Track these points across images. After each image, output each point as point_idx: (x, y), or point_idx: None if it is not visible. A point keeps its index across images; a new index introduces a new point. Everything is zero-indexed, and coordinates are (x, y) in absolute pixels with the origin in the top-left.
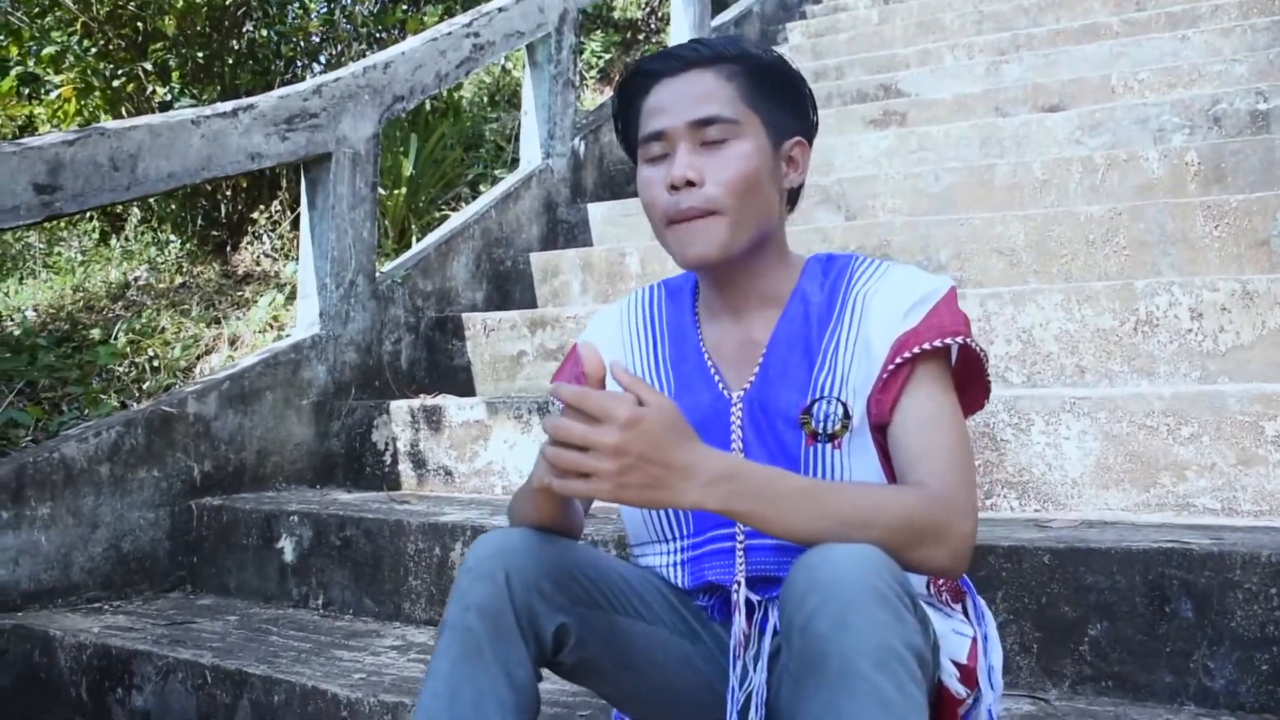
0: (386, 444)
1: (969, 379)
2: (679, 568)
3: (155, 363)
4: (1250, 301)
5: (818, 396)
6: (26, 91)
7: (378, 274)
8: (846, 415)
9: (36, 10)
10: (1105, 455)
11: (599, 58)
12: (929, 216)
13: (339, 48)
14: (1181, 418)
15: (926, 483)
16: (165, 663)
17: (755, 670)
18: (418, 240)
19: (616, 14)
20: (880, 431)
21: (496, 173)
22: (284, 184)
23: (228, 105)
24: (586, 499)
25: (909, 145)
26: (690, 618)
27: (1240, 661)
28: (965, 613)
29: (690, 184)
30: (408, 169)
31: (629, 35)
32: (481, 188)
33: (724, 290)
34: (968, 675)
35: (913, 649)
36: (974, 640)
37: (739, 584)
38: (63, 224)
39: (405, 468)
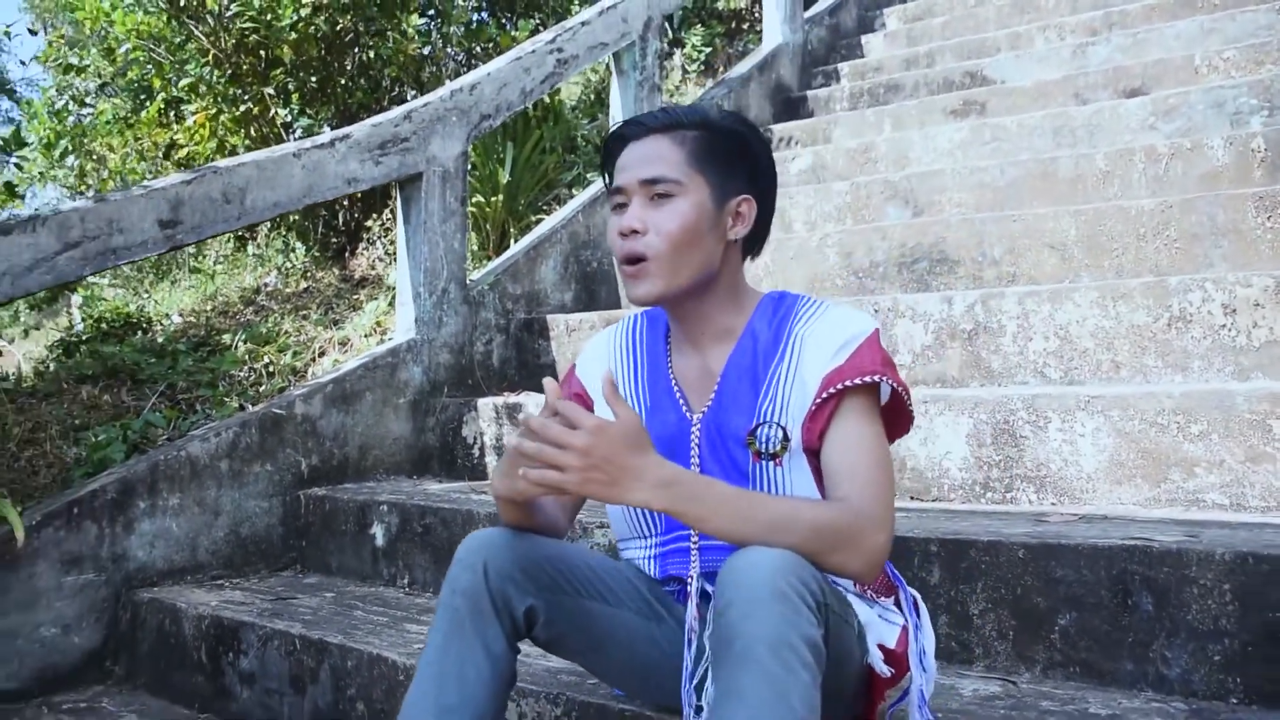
0: (475, 438)
1: (898, 410)
2: (651, 560)
3: (271, 368)
4: None
5: (761, 421)
6: (172, 114)
7: (469, 281)
8: (785, 438)
9: (176, 44)
10: (1118, 452)
11: (700, 51)
12: (989, 213)
13: (436, 66)
14: (1191, 416)
15: (847, 498)
16: (264, 632)
17: (710, 648)
18: (516, 242)
19: (720, 4)
20: (813, 455)
21: (590, 175)
22: (394, 193)
23: (325, 137)
24: (571, 501)
25: (982, 137)
26: (656, 602)
27: (1194, 652)
28: (898, 604)
29: (635, 232)
30: (504, 177)
31: (732, 25)
32: (576, 190)
33: (683, 324)
34: (896, 658)
35: (806, 639)
36: (904, 628)
37: (692, 578)
38: None
39: (491, 460)
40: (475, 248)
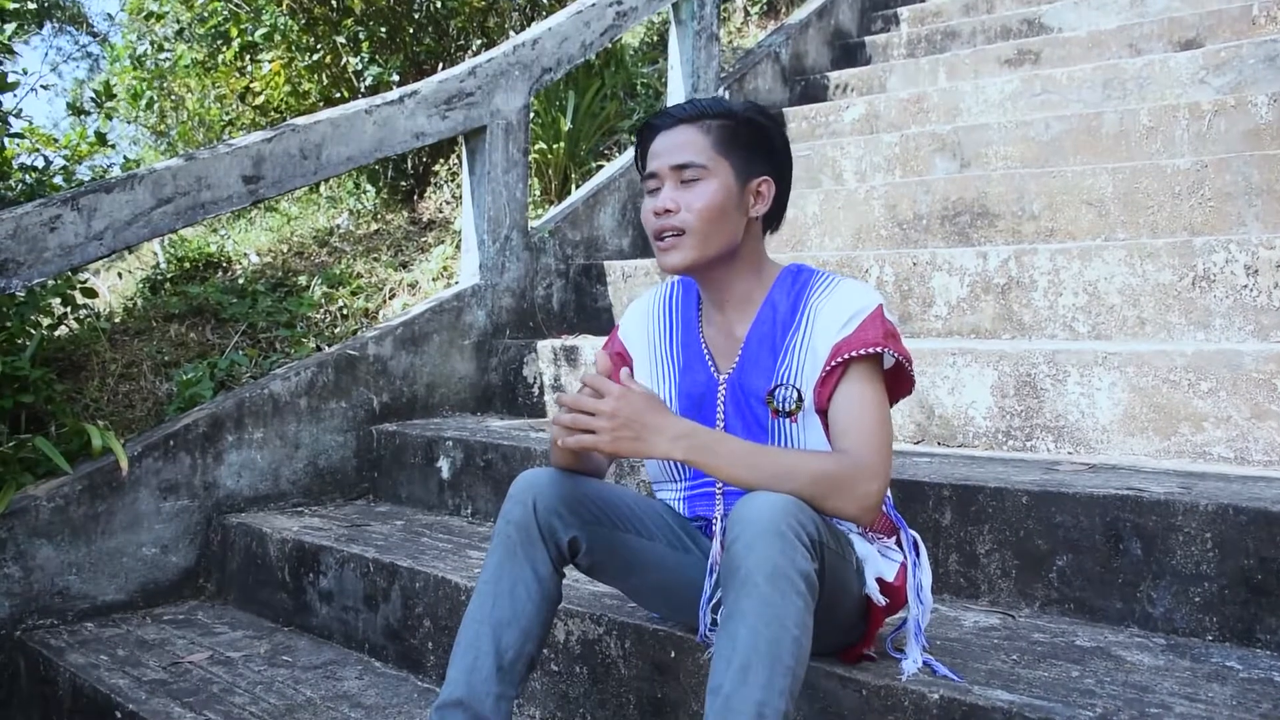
0: (534, 378)
1: (900, 374)
2: (681, 501)
3: (344, 310)
4: None
5: (779, 383)
6: (248, 58)
7: (530, 228)
8: (799, 399)
9: None
10: (1132, 406)
11: None
12: (1032, 168)
13: (501, 16)
14: (1201, 373)
15: (847, 451)
16: (341, 555)
17: (720, 576)
18: (578, 187)
19: None
20: (824, 415)
21: None
22: (460, 144)
23: (395, 94)
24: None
25: (1033, 89)
26: (685, 536)
27: (1177, 593)
28: (898, 543)
29: (668, 211)
30: (565, 125)
31: None
32: (635, 136)
33: (710, 291)
34: (894, 591)
35: (800, 571)
36: (903, 565)
37: (717, 518)
38: None
39: (549, 398)
40: (537, 193)
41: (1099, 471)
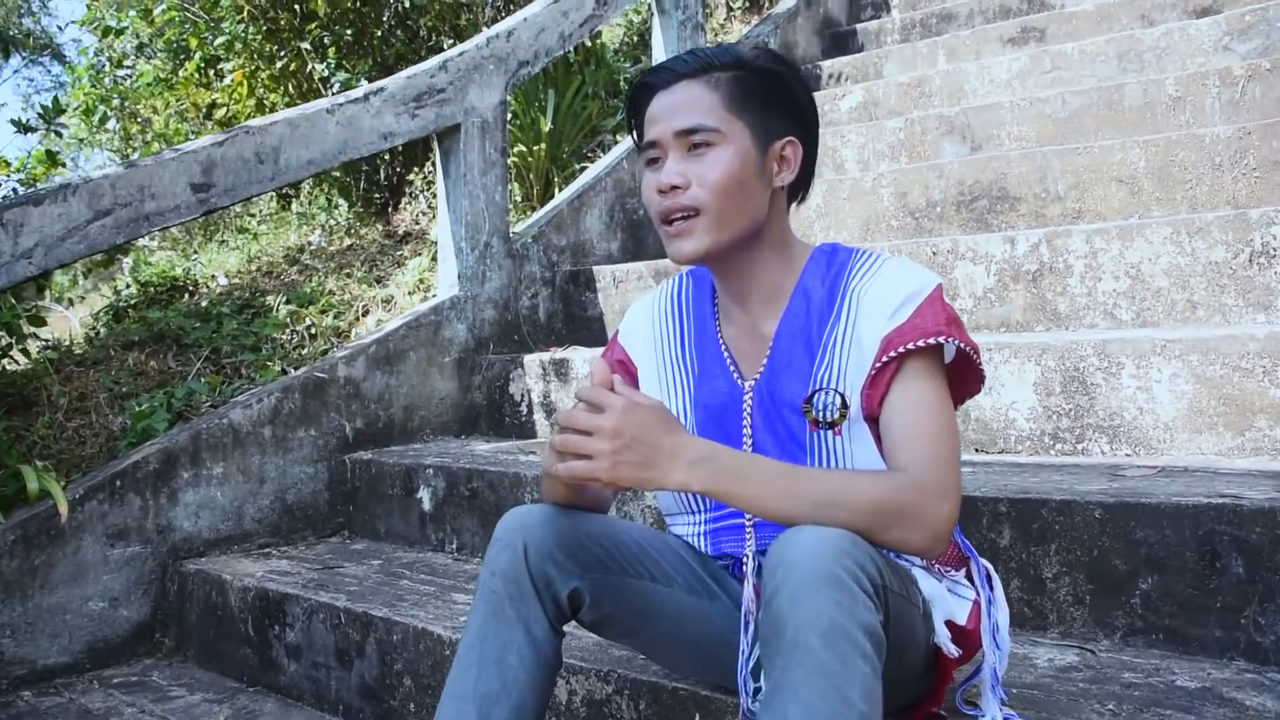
0: (522, 395)
1: (966, 368)
2: (702, 537)
3: (313, 330)
4: None
5: (818, 388)
6: (212, 74)
7: (512, 233)
8: (844, 405)
9: (211, 1)
10: (1198, 399)
11: None
12: (1051, 146)
13: (473, 14)
14: (1278, 359)
15: (905, 468)
16: (310, 605)
17: (760, 637)
18: (561, 191)
19: None
20: (873, 423)
21: None
22: (433, 146)
23: (359, 91)
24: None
25: (1042, 65)
26: (709, 579)
27: None
28: (969, 577)
29: (675, 188)
30: (546, 125)
31: None
32: (619, 136)
33: (729, 282)
34: (966, 635)
35: (863, 627)
36: (975, 603)
37: (748, 556)
38: None
39: (539, 417)
40: (519, 199)
41: (1172, 476)
